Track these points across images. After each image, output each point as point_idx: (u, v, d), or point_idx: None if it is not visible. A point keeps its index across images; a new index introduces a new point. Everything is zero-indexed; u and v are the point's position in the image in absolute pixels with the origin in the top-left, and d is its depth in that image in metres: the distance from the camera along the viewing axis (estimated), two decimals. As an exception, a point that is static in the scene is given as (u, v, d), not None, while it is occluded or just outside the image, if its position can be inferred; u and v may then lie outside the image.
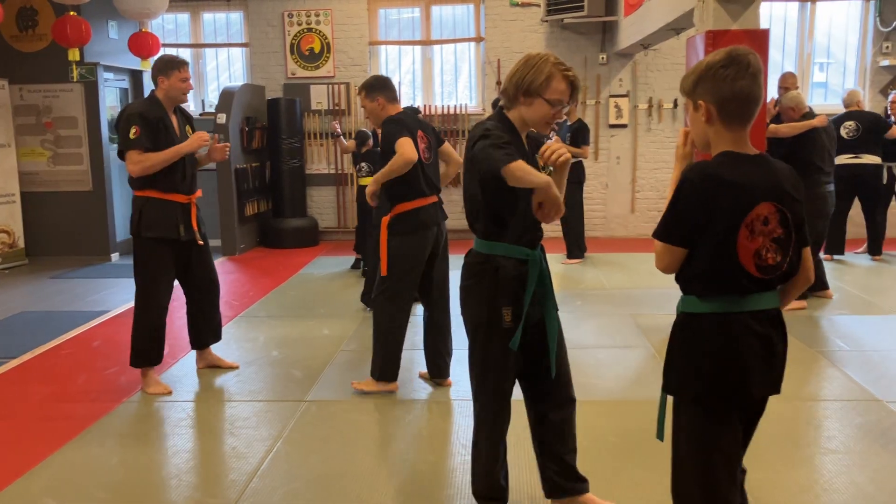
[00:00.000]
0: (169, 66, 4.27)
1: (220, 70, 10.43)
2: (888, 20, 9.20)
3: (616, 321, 5.78)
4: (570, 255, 8.06)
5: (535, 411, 2.86)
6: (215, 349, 4.84)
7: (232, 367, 4.78)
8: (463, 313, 2.74)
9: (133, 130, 4.16)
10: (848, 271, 7.46)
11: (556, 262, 7.98)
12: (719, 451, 2.08)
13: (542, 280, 2.66)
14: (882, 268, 7.67)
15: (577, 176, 7.79)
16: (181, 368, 4.82)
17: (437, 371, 4.39)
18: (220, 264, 8.59)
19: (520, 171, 2.40)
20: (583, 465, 3.35)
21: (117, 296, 7.00)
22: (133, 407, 4.21)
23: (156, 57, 7.60)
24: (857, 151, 7.56)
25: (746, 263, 1.98)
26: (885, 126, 7.70)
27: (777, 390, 2.08)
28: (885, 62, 9.29)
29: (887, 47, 9.30)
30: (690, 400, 2.11)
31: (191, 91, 4.46)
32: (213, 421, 4.04)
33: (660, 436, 2.27)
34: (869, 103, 9.41)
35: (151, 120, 4.21)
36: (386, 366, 4.25)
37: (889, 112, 8.00)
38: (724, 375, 2.03)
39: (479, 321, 2.66)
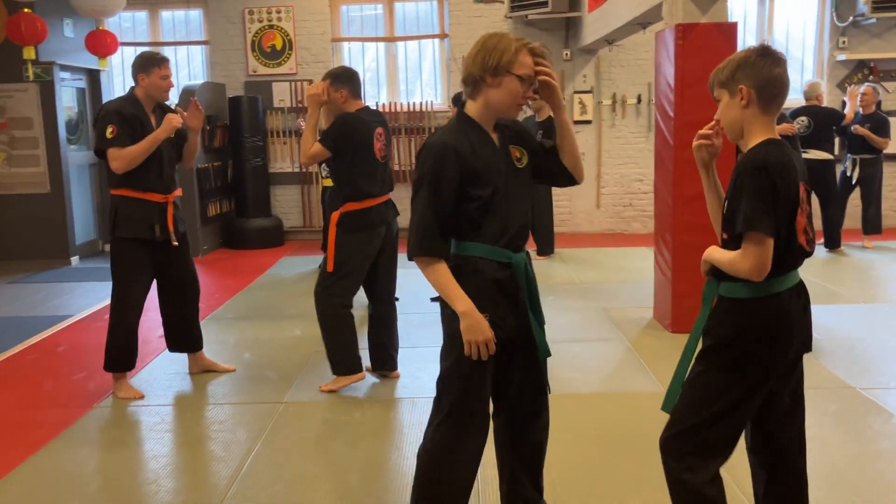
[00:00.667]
0: (149, 64, 4.18)
1: (180, 68, 10.24)
2: (844, 15, 9.38)
3: (589, 315, 5.80)
4: (541, 252, 8.06)
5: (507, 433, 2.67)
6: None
7: (228, 371, 4.70)
8: (442, 320, 2.52)
9: (110, 130, 4.07)
10: (808, 263, 7.55)
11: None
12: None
13: (529, 287, 2.50)
14: (840, 259, 7.82)
15: None
16: (151, 372, 4.71)
17: (381, 363, 4.40)
18: (184, 266, 8.42)
19: (438, 279, 2.37)
20: (568, 459, 3.36)
21: (79, 300, 6.83)
22: (105, 412, 4.10)
23: (130, 55, 7.41)
24: (805, 147, 7.71)
25: (801, 240, 2.17)
26: (840, 120, 7.88)
27: (810, 348, 2.31)
28: (842, 56, 9.47)
29: (843, 42, 9.48)
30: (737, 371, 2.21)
31: (171, 89, 4.33)
32: (190, 425, 3.96)
33: (667, 406, 2.37)
34: (827, 97, 9.58)
35: (128, 118, 4.11)
36: (344, 358, 4.22)
37: (859, 104, 8.16)
38: (779, 347, 2.19)
39: (455, 329, 2.40)
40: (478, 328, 2.32)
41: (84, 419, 3.99)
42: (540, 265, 7.79)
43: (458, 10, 9.68)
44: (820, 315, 5.52)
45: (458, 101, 7.82)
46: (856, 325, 5.35)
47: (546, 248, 8.08)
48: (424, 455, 2.52)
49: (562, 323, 5.60)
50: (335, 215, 4.13)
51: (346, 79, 4.19)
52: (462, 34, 9.68)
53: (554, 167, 2.59)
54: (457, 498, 2.53)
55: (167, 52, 10.18)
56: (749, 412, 2.25)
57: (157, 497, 3.13)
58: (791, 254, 2.16)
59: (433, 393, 2.51)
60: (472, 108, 2.47)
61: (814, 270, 7.11)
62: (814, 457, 3.33)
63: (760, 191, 2.06)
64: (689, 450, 2.26)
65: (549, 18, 9.31)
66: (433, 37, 9.99)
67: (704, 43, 4.98)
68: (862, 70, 9.55)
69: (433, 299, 2.51)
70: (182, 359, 4.73)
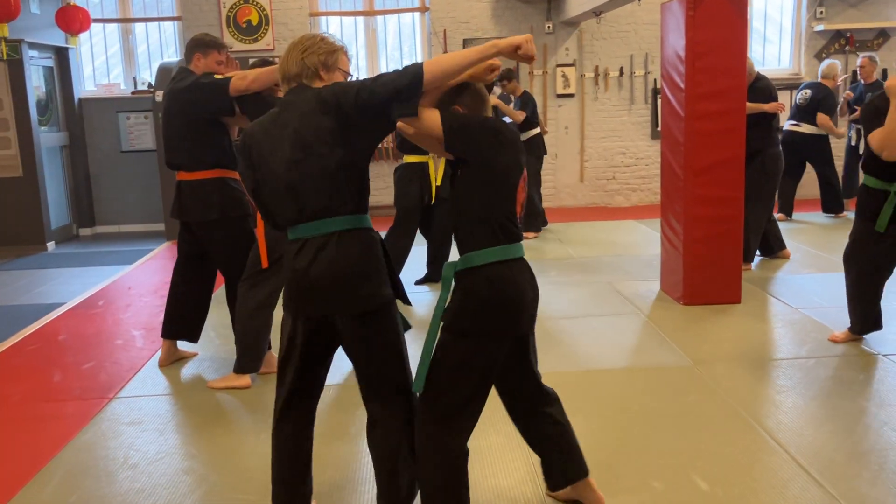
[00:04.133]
0: (210, 46, 4.14)
1: (152, 46, 9.92)
2: (822, -14, 9.47)
3: (597, 290, 5.79)
4: (527, 229, 7.97)
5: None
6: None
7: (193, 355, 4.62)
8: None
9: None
10: (809, 232, 7.66)
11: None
12: None
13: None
14: (837, 225, 7.92)
15: (536, 150, 7.74)
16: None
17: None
18: (166, 250, 8.23)
19: (442, 64, 2.31)
20: (610, 435, 3.34)
21: (65, 287, 6.61)
22: (126, 403, 3.95)
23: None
24: (799, 120, 7.78)
25: (519, 213, 2.43)
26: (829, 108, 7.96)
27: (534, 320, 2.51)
28: (820, 27, 9.57)
29: (821, 12, 9.57)
30: None
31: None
32: (219, 411, 3.83)
33: None
34: (804, 67, 9.70)
35: None
36: (253, 359, 4.05)
37: (858, 76, 8.28)
38: (512, 314, 2.38)
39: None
40: (514, 37, 2.35)
41: (106, 411, 3.85)
42: (530, 242, 7.75)
43: (439, -17, 9.53)
44: (826, 283, 5.64)
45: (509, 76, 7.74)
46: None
47: (532, 226, 8.01)
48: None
49: (572, 298, 5.58)
50: None
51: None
52: (443, 8, 9.53)
53: None
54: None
55: (137, 28, 9.86)
56: (488, 379, 2.39)
57: (200, 486, 3.04)
58: (513, 225, 2.34)
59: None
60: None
61: (806, 239, 7.17)
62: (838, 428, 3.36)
63: None
64: (436, 418, 2.37)
65: (532, -9, 9.22)
66: (414, 10, 9.83)
67: (715, 14, 4.95)
68: (839, 40, 9.67)
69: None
70: (194, 345, 4.62)
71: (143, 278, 6.88)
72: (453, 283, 2.38)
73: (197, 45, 4.17)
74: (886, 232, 4.01)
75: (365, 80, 2.33)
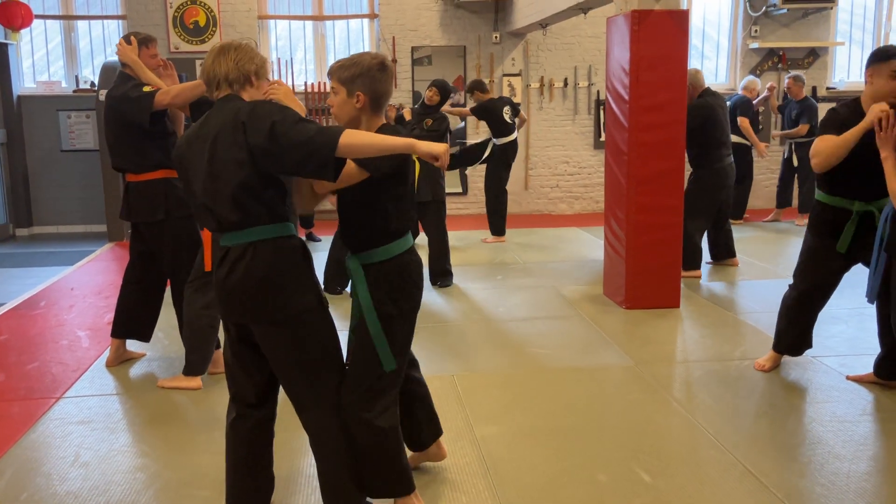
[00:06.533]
0: (140, 43, 4.21)
1: (95, 44, 9.77)
2: (757, 5, 9.85)
3: (542, 294, 5.94)
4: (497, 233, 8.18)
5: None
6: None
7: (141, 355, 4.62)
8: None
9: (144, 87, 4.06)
10: (738, 243, 7.94)
11: (472, 240, 8.10)
12: None
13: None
14: (773, 237, 8.26)
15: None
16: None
17: None
18: (109, 251, 8.11)
19: (364, 140, 2.38)
20: (558, 431, 3.47)
21: (3, 287, 6.48)
22: (73, 403, 3.92)
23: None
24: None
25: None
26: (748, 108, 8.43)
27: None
28: (755, 44, 9.96)
29: (756, 31, 9.96)
30: None
31: (158, 66, 4.31)
32: (165, 409, 3.84)
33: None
34: (740, 83, 10.06)
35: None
36: (201, 361, 4.08)
37: (788, 95, 8.78)
38: (419, 293, 2.70)
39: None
40: (433, 143, 2.40)
41: (53, 410, 3.81)
42: (482, 246, 7.90)
43: (388, -9, 9.62)
44: (758, 290, 5.91)
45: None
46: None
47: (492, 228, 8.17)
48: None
49: (518, 301, 5.72)
50: None
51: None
52: (392, 15, 9.63)
53: None
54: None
55: (80, 26, 9.70)
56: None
57: (154, 483, 3.05)
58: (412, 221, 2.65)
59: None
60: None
61: (748, 250, 7.44)
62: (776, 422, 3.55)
63: None
64: (369, 394, 2.57)
65: (479, 1, 9.37)
66: (363, 16, 9.89)
67: (658, 29, 5.16)
68: (772, 58, 10.07)
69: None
70: (142, 344, 4.61)
71: (85, 279, 6.78)
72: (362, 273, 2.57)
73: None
74: (842, 252, 3.80)
75: (286, 115, 2.33)
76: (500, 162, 7.93)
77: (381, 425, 2.55)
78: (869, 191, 3.67)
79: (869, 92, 3.61)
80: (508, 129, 7.83)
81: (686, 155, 6.23)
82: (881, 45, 10.32)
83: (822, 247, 3.85)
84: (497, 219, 8.09)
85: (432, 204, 6.11)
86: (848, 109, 3.69)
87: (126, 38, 4.22)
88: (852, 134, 3.53)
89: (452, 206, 9.40)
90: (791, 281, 4.08)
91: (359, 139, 2.31)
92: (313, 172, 2.35)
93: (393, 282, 2.56)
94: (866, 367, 4.10)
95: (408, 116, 6.85)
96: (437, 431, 3.04)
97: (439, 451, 3.07)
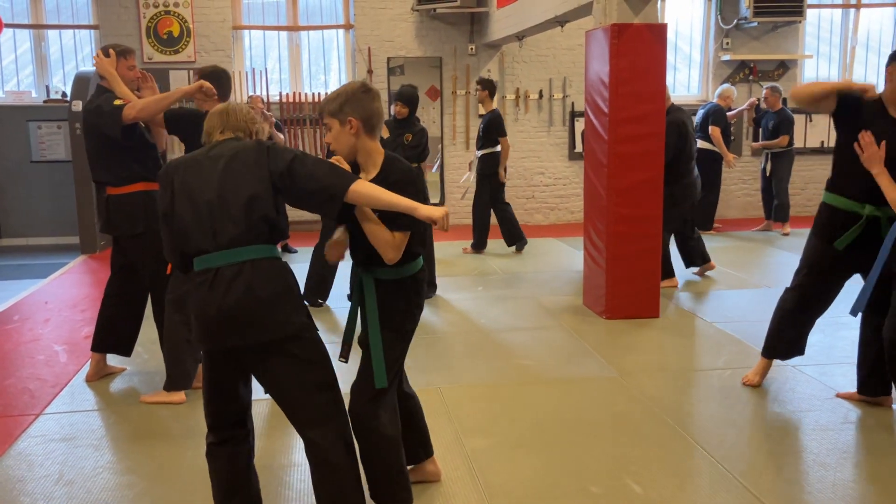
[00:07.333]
0: (118, 55, 4.19)
1: (66, 53, 9.64)
2: (728, 18, 10.02)
3: (522, 304, 5.96)
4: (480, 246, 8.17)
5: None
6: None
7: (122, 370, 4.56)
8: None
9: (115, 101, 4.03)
10: (713, 253, 8.04)
11: (452, 251, 8.12)
12: None
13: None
14: (750, 247, 8.37)
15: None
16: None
17: None
18: (82, 263, 8.00)
19: (373, 193, 2.49)
20: (547, 443, 3.48)
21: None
22: (55, 420, 3.85)
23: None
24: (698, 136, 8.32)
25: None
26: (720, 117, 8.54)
27: None
28: (726, 57, 10.12)
29: (727, 43, 10.13)
30: None
31: (137, 77, 4.29)
32: (150, 426, 3.79)
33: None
34: (712, 94, 10.21)
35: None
36: (182, 376, 4.05)
37: (764, 105, 8.94)
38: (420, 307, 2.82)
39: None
40: (434, 208, 2.48)
41: (34, 427, 3.74)
42: (461, 257, 7.92)
43: (364, 2, 9.62)
44: (735, 299, 5.99)
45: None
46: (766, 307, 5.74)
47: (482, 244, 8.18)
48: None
49: (499, 312, 5.73)
50: None
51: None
52: (368, 25, 9.63)
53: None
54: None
55: (51, 35, 9.58)
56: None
57: (142, 500, 3.01)
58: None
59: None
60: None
61: (722, 260, 7.54)
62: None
63: None
64: (386, 405, 2.67)
65: (456, 13, 9.41)
66: (338, 27, 9.89)
67: (637, 43, 5.22)
68: (743, 70, 10.24)
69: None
70: (122, 359, 4.54)
71: (59, 292, 6.67)
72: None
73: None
74: (844, 256, 3.70)
75: (306, 156, 2.49)
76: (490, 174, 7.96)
77: (389, 433, 2.65)
78: (880, 193, 3.53)
79: (889, 88, 3.57)
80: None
81: None
82: (847, 58, 10.60)
83: (828, 252, 3.74)
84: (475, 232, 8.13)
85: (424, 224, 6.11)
86: (868, 104, 3.60)
87: (104, 51, 4.19)
88: (831, 83, 3.69)
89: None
90: (788, 284, 4.00)
91: (367, 190, 2.44)
92: (320, 204, 2.44)
93: (402, 301, 2.63)
94: (845, 375, 4.18)
95: (385, 134, 6.82)
96: (430, 448, 3.06)
97: (435, 469, 3.08)
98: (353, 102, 2.55)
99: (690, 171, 6.42)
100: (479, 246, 8.13)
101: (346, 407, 2.60)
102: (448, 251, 8.13)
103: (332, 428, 2.50)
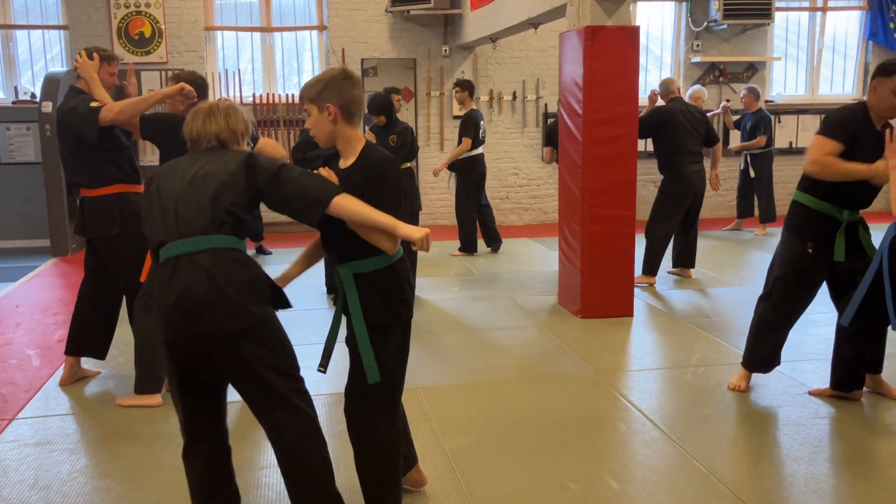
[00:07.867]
0: (102, 60, 4.21)
1: (35, 54, 9.52)
2: (699, 20, 10.15)
3: (498, 304, 5.99)
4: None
5: None
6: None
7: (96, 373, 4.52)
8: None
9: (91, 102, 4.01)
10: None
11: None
12: None
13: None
14: (725, 246, 8.47)
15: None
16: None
17: None
18: (53, 266, 7.90)
19: (357, 209, 2.49)
20: (525, 441, 3.51)
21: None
22: (29, 425, 3.81)
23: None
24: None
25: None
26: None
27: None
28: (697, 58, 10.24)
29: (698, 45, 10.25)
30: None
31: (115, 84, 4.31)
32: (124, 428, 3.76)
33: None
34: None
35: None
36: (153, 379, 4.03)
37: (742, 105, 9.14)
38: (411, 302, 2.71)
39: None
40: (414, 228, 2.50)
41: (7, 433, 3.70)
42: (441, 258, 7.93)
43: (337, 3, 9.61)
44: (708, 298, 6.08)
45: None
46: (739, 306, 5.84)
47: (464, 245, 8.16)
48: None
49: (476, 312, 5.76)
50: None
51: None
52: (342, 27, 9.63)
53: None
54: None
55: (19, 35, 9.46)
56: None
57: (120, 503, 3.00)
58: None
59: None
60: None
61: (697, 259, 7.62)
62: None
63: None
64: (383, 407, 2.63)
65: (430, 14, 9.44)
66: (311, 28, 9.87)
67: (611, 45, 5.28)
68: (713, 72, 10.38)
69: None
70: (96, 362, 4.50)
71: (31, 296, 6.59)
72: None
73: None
74: (822, 256, 3.73)
75: (295, 167, 2.56)
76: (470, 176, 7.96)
77: (384, 438, 2.63)
78: (860, 200, 3.67)
79: (873, 99, 3.64)
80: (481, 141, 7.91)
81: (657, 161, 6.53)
82: (815, 60, 10.78)
83: (805, 253, 3.75)
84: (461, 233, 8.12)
85: (406, 216, 6.11)
86: (856, 117, 3.64)
87: (88, 53, 4.15)
88: (861, 171, 3.51)
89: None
90: (761, 282, 4.02)
91: (351, 204, 2.45)
92: (303, 208, 2.47)
93: (390, 289, 2.58)
94: (815, 371, 4.27)
95: (373, 140, 6.82)
96: (414, 458, 2.98)
97: (419, 476, 3.02)
98: (331, 88, 2.54)
99: (686, 164, 6.46)
100: (468, 248, 8.09)
101: (343, 408, 2.65)
102: (430, 252, 8.12)
103: (296, 413, 2.49)
